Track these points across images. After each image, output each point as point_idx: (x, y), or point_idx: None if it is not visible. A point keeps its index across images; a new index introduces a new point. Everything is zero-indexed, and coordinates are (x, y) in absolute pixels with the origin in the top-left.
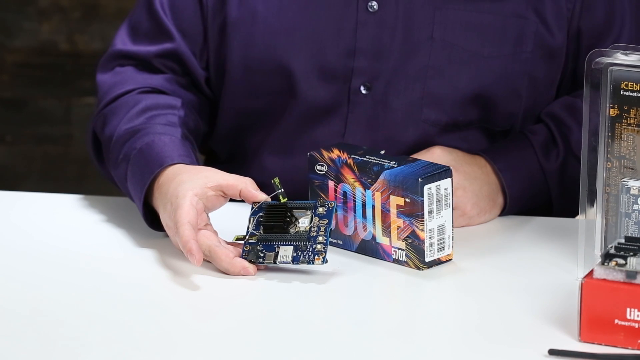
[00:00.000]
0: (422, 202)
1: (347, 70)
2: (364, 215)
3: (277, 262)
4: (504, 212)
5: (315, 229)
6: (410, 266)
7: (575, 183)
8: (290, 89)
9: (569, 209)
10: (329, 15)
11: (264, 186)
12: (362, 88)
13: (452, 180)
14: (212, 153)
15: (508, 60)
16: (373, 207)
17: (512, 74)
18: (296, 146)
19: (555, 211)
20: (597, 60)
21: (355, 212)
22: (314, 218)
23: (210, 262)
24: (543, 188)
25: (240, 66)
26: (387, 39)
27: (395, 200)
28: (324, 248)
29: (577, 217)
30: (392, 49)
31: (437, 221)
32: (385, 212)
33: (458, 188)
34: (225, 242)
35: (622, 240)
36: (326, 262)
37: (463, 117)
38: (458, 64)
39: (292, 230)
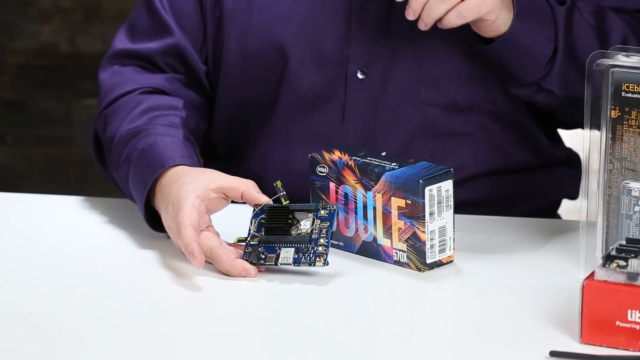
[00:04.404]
0: (423, 203)
1: (343, 56)
2: (365, 217)
3: (278, 263)
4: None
5: (316, 231)
6: (411, 268)
7: (580, 37)
8: (288, 76)
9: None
10: (324, 1)
11: (264, 180)
12: (358, 73)
13: (452, 181)
14: (211, 149)
15: None
16: (374, 208)
17: (488, 51)
18: (296, 135)
19: (557, 65)
20: (598, 61)
21: (356, 213)
22: (315, 220)
23: (211, 263)
24: (549, 18)
25: (237, 56)
26: (382, 24)
27: (397, 202)
28: (325, 250)
29: (578, 219)
30: (387, 33)
31: (438, 223)
32: (386, 214)
33: None
34: (227, 243)
35: (623, 242)
36: (327, 264)
37: (462, 97)
38: (453, 43)
39: (293, 232)
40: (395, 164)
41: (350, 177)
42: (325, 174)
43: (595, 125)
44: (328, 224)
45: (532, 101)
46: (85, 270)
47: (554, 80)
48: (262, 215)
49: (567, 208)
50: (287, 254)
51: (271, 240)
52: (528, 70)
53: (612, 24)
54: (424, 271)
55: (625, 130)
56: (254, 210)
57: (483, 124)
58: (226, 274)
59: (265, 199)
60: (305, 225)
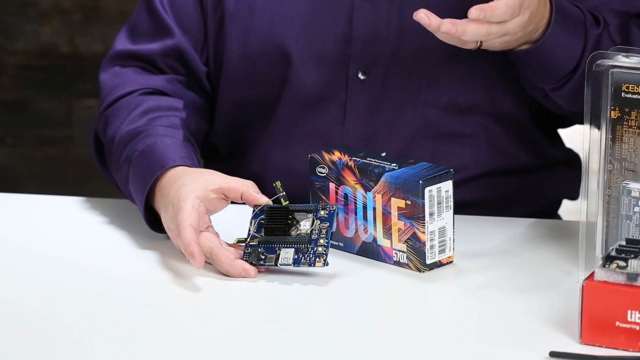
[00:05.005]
0: (423, 204)
1: (344, 57)
2: (365, 218)
3: (278, 264)
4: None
5: (316, 231)
6: (411, 268)
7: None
8: (289, 77)
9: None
10: (325, 2)
11: (265, 181)
12: (359, 74)
13: (452, 182)
14: (212, 150)
15: None
16: (374, 209)
17: (510, 51)
18: (296, 135)
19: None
20: (598, 62)
21: (356, 214)
22: (315, 221)
23: (211, 264)
24: (580, 40)
25: (238, 57)
26: (383, 25)
27: (396, 203)
28: (325, 251)
29: (578, 219)
30: (388, 34)
31: (438, 223)
32: (386, 215)
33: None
34: (227, 244)
35: (623, 243)
36: (327, 264)
37: (463, 98)
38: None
39: (293, 233)
40: (395, 164)
41: (350, 178)
42: (325, 174)
43: (595, 125)
44: (328, 224)
45: (539, 101)
46: (85, 271)
47: (564, 95)
48: (262, 216)
49: (567, 208)
50: (286, 254)
51: (271, 241)
52: (540, 79)
53: (636, 38)
54: (423, 272)
55: (625, 130)
56: (254, 210)
57: (483, 124)
58: (226, 275)
59: (265, 200)
60: (305, 225)
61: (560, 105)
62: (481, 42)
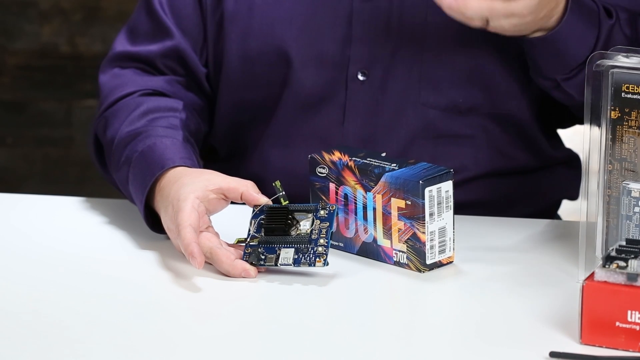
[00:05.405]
0: (423, 204)
1: (344, 58)
2: (365, 218)
3: (278, 264)
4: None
5: (316, 231)
6: (411, 268)
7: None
8: (289, 78)
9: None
10: (325, 3)
11: (264, 182)
12: (359, 75)
13: (452, 182)
14: (211, 152)
15: (504, 37)
16: (374, 209)
17: (510, 51)
18: (296, 136)
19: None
20: (598, 62)
21: (356, 214)
22: (315, 221)
23: (211, 264)
24: (594, 29)
25: (238, 58)
26: (382, 26)
27: (396, 203)
28: (325, 250)
29: (578, 219)
30: (388, 35)
31: (438, 223)
32: (386, 215)
33: None
34: (227, 244)
35: (623, 243)
36: (327, 264)
37: (463, 99)
38: (453, 45)
39: (293, 233)
40: (395, 164)
41: (350, 178)
42: (325, 174)
43: (595, 125)
44: (328, 224)
45: (549, 94)
46: (85, 271)
47: (576, 85)
48: (262, 216)
49: (567, 209)
50: (286, 254)
51: (271, 241)
52: (553, 68)
53: None
54: (423, 272)
55: (625, 131)
56: (254, 210)
57: (483, 125)
58: (226, 275)
59: (264, 200)
60: (304, 225)
61: (571, 95)
62: (488, 21)
